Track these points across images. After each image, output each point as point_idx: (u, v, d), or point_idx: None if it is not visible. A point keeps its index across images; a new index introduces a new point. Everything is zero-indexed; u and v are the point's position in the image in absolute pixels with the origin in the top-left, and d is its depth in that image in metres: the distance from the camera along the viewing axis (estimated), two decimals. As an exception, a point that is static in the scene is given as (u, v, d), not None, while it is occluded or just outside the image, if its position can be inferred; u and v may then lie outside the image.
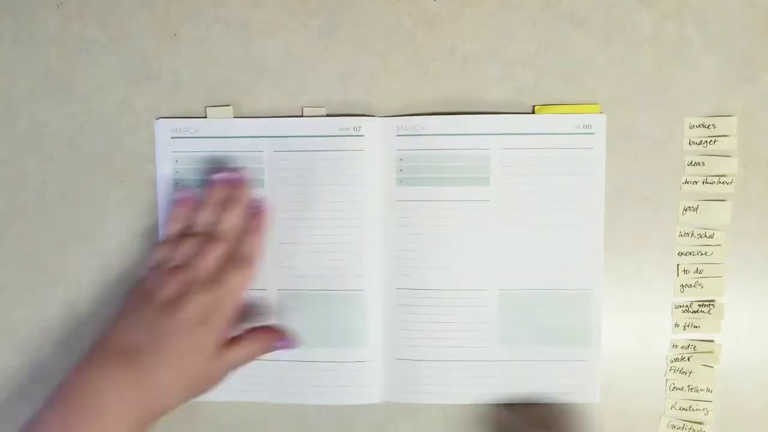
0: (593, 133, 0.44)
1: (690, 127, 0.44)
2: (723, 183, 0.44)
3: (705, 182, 0.44)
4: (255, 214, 0.43)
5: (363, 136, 0.44)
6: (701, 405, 0.44)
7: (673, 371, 0.45)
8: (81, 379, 0.37)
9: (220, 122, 0.45)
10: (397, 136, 0.44)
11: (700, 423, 0.44)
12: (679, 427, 0.45)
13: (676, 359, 0.45)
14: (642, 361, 0.45)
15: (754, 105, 0.44)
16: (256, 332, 0.42)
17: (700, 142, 0.44)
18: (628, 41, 0.44)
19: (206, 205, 0.43)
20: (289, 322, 0.44)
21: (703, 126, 0.44)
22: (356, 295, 0.45)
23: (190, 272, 0.40)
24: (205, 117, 0.45)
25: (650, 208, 0.44)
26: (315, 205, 0.44)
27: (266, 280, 0.45)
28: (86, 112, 0.46)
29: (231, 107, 0.45)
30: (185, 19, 0.45)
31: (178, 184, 0.45)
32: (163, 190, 0.45)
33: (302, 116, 0.45)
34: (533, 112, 0.44)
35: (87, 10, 0.45)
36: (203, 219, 0.42)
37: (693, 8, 0.44)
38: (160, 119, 0.45)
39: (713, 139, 0.44)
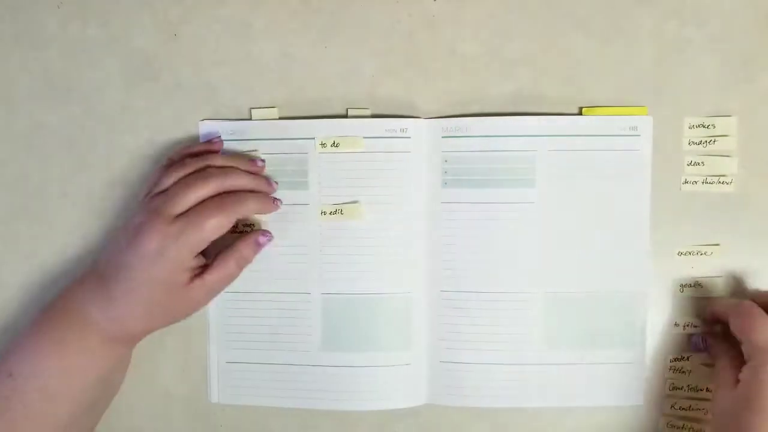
0: (639, 135, 0.44)
1: (690, 127, 0.44)
2: (723, 183, 0.44)
3: (705, 182, 0.44)
4: (270, 194, 0.44)
5: (409, 137, 0.44)
6: (701, 405, 0.44)
7: (673, 371, 0.45)
8: (70, 294, 0.41)
9: (266, 124, 0.45)
10: (443, 137, 0.44)
11: (701, 423, 0.44)
12: (679, 427, 0.44)
13: (676, 359, 0.45)
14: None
15: (754, 105, 0.44)
16: (226, 251, 0.42)
17: (700, 142, 0.44)
18: (628, 41, 0.44)
19: (216, 156, 0.43)
20: (334, 326, 0.45)
21: (703, 126, 0.44)
22: (401, 297, 0.44)
23: (159, 203, 0.40)
24: (250, 119, 0.45)
25: (650, 207, 0.44)
26: (360, 207, 0.44)
27: (310, 284, 0.45)
28: (86, 112, 0.46)
29: (276, 109, 0.45)
30: (185, 19, 0.45)
31: None
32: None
33: (347, 117, 0.45)
34: (580, 114, 0.44)
35: (87, 10, 0.45)
36: (207, 162, 0.42)
37: (693, 8, 0.44)
38: (205, 121, 0.45)
39: (713, 139, 0.44)
